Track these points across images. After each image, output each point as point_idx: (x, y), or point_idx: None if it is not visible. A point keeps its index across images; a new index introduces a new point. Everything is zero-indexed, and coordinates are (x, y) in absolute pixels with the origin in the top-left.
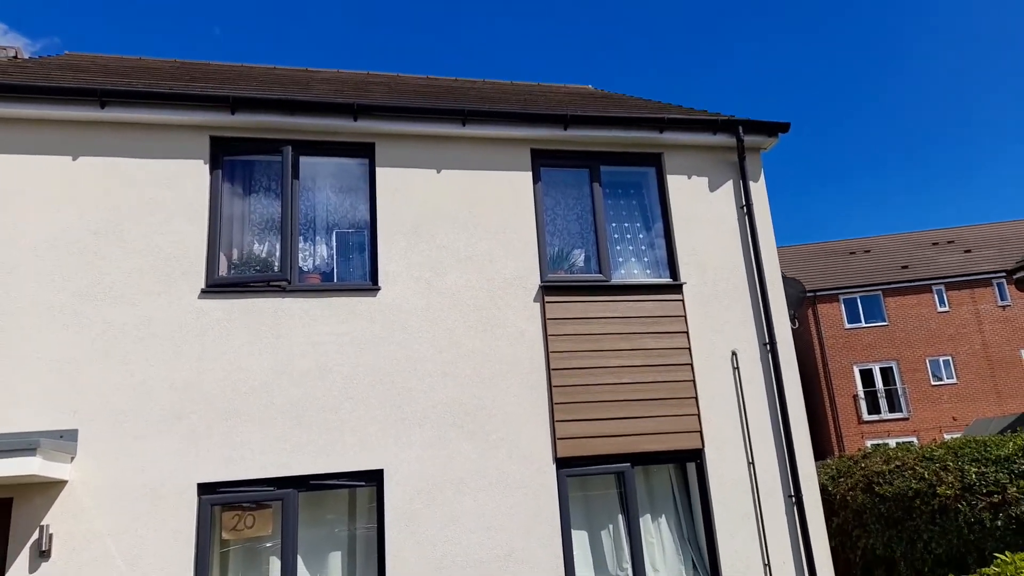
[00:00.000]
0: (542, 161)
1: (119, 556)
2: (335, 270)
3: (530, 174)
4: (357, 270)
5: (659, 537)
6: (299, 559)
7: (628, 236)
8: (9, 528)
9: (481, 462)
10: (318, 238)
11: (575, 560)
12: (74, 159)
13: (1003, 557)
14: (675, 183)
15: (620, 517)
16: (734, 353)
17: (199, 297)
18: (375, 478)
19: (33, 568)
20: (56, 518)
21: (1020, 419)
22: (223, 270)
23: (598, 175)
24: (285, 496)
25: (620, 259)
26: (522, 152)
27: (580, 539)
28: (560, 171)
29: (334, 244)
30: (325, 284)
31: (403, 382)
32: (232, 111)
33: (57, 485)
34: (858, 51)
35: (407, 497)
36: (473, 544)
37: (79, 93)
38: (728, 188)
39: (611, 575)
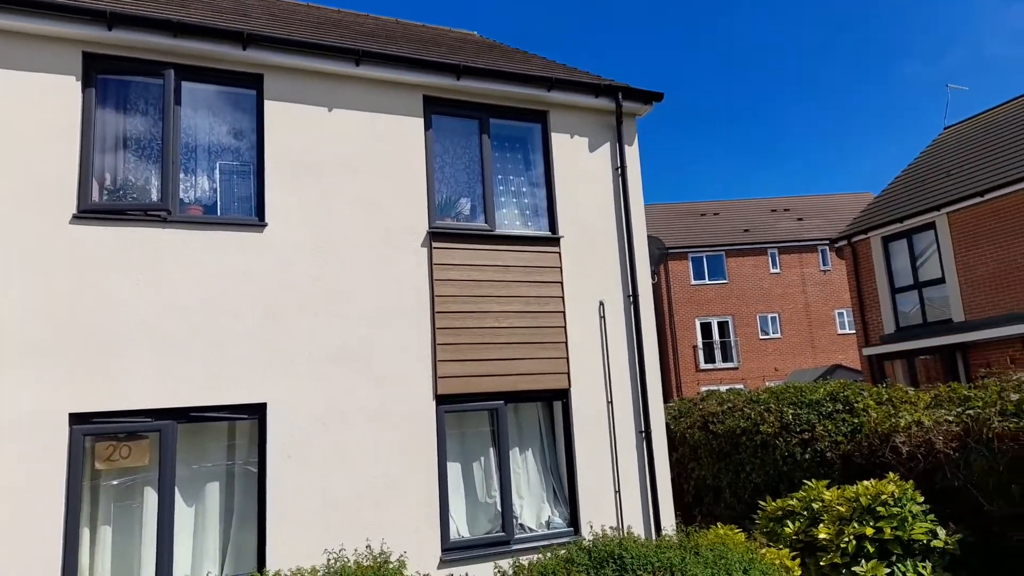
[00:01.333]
0: (434, 108)
1: None
2: (218, 203)
3: (422, 120)
4: (242, 204)
5: (525, 468)
6: (176, 491)
7: (512, 189)
8: None
9: (365, 398)
10: (200, 169)
11: (448, 489)
12: None
13: (809, 484)
14: (558, 140)
15: (491, 450)
16: (601, 303)
17: (71, 222)
18: (258, 411)
19: None
20: None
21: (830, 370)
22: (96, 196)
23: (487, 127)
24: (164, 427)
25: (504, 210)
26: (415, 98)
27: (454, 470)
28: (451, 120)
29: (217, 176)
30: (209, 217)
31: (290, 319)
32: (109, 27)
33: None
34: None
35: (290, 430)
36: (354, 475)
37: None
38: (605, 149)
39: (480, 502)
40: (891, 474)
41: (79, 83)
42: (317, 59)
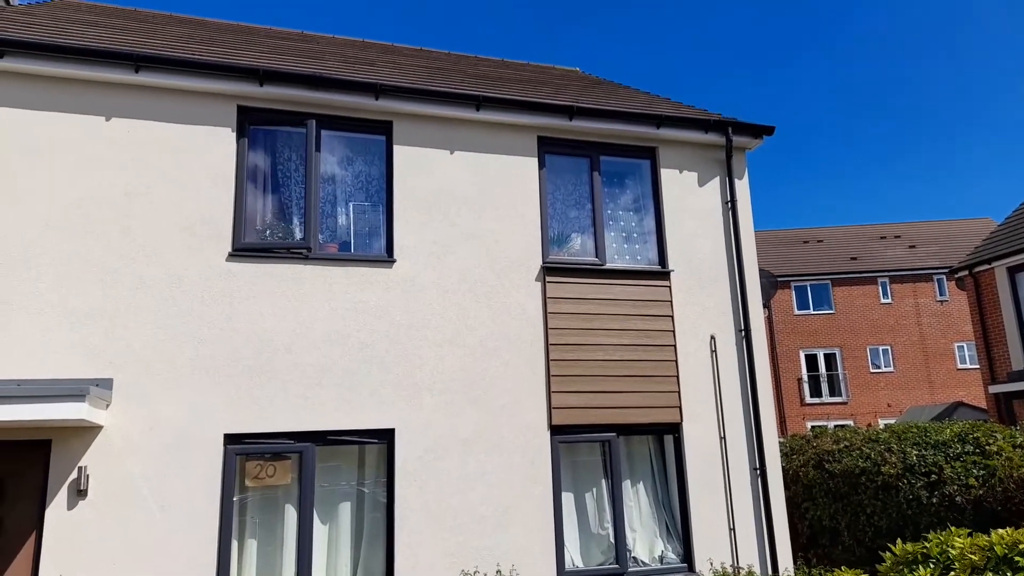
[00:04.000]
0: (547, 148)
1: (151, 497)
2: (352, 241)
3: (536, 159)
4: (373, 242)
5: (637, 501)
6: (314, 508)
7: (622, 223)
8: (49, 467)
9: (484, 426)
10: (337, 209)
11: (563, 518)
12: (107, 119)
13: (952, 529)
14: (668, 176)
15: (603, 482)
16: (712, 337)
17: (226, 260)
18: (387, 436)
19: (71, 505)
20: (92, 460)
21: (951, 408)
22: (247, 235)
23: (598, 164)
24: (304, 449)
25: (614, 245)
26: (529, 138)
27: (567, 500)
28: (563, 158)
29: (351, 216)
30: (344, 253)
31: (415, 349)
32: (261, 83)
33: (93, 429)
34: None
35: (416, 455)
36: (474, 500)
37: (115, 56)
38: (715, 183)
39: (593, 533)
40: None
41: (234, 134)
42: (442, 106)
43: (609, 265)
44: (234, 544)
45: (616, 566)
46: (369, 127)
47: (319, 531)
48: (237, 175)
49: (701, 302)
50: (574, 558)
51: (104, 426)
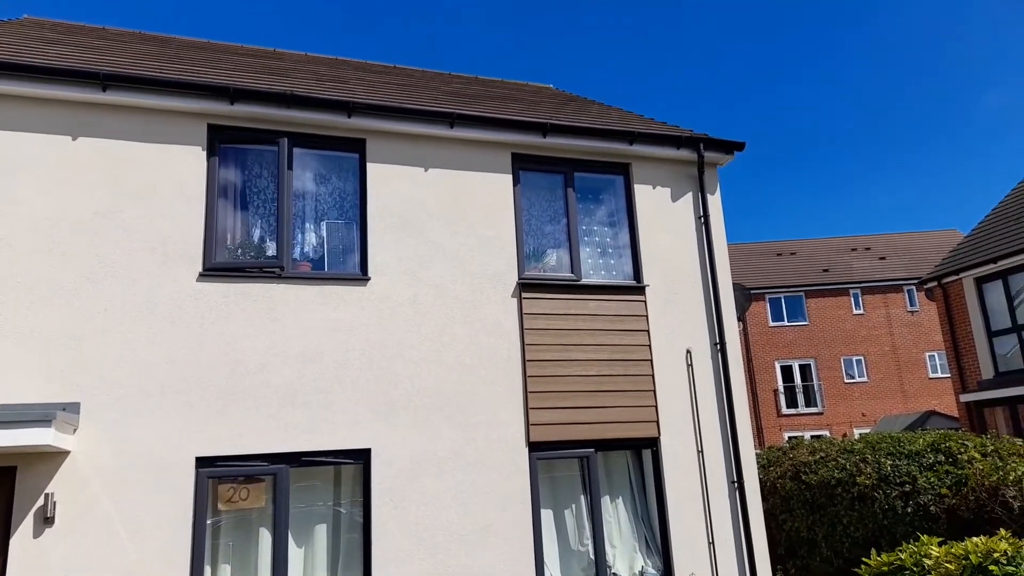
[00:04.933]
0: (521, 164)
1: (120, 524)
2: (325, 259)
3: (510, 176)
4: (347, 260)
5: (616, 516)
6: (289, 531)
7: (597, 239)
8: (14, 495)
9: (461, 444)
10: (308, 227)
11: (542, 535)
12: (74, 139)
13: (923, 538)
14: (641, 192)
15: (582, 497)
16: (688, 351)
17: (197, 280)
18: (362, 456)
19: (38, 533)
20: (59, 486)
21: (923, 417)
22: (219, 255)
23: (572, 180)
24: (278, 471)
25: (590, 260)
26: (503, 155)
27: (546, 516)
28: (537, 175)
29: (324, 234)
30: (318, 272)
31: (390, 367)
32: (231, 101)
33: (60, 455)
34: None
35: (392, 474)
36: (453, 519)
37: (81, 76)
38: (688, 199)
39: (573, 550)
40: (1003, 530)
41: (204, 152)
42: (415, 123)
43: (585, 280)
44: (207, 570)
45: None
46: (342, 145)
47: (294, 554)
48: (208, 194)
49: (676, 316)
50: (554, 575)
51: (71, 451)
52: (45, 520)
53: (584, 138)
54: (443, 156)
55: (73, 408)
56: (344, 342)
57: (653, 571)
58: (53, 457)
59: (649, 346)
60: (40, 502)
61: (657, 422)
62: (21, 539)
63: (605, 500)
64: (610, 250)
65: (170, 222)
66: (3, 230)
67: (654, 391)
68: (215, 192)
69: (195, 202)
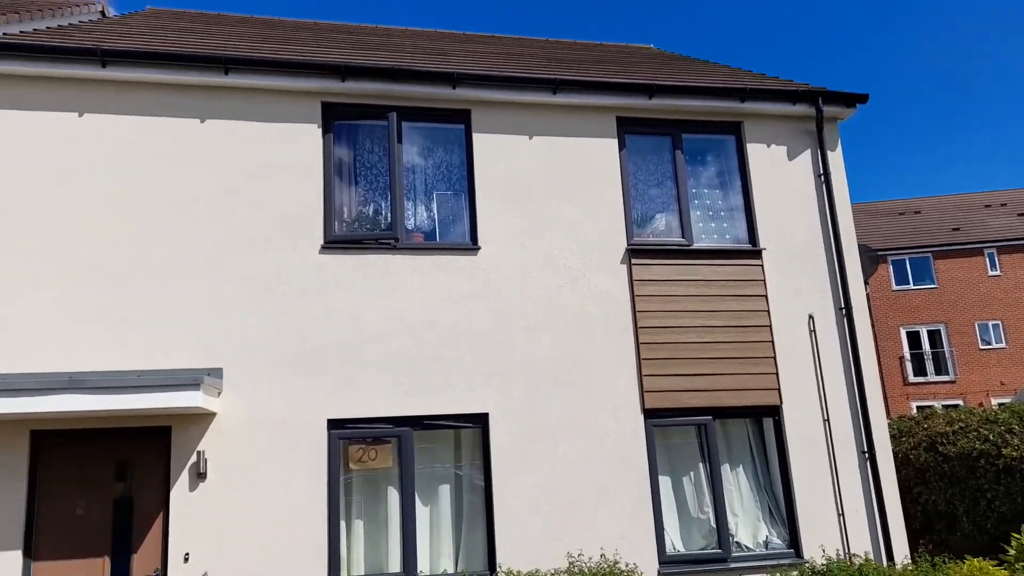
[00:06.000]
0: (627, 128)
1: (263, 479)
2: (436, 230)
3: (616, 141)
4: (456, 230)
5: (737, 485)
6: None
7: (708, 202)
8: (171, 452)
9: (575, 410)
10: (419, 199)
11: (660, 502)
12: (202, 121)
13: None
14: (754, 151)
15: (701, 465)
16: (811, 316)
17: (319, 253)
18: (481, 421)
19: (193, 487)
20: (209, 444)
21: None
22: (337, 228)
23: (680, 142)
24: (402, 434)
25: (700, 224)
26: (608, 119)
27: (664, 484)
28: (644, 138)
29: (434, 205)
30: (430, 243)
31: (503, 335)
32: (343, 79)
33: (208, 416)
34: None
35: (510, 439)
36: (569, 483)
37: (205, 60)
38: (806, 157)
39: (693, 518)
40: None
41: (320, 130)
42: (518, 92)
43: (696, 245)
44: (342, 524)
45: (719, 551)
46: (448, 116)
47: (420, 512)
48: (324, 170)
49: (796, 280)
50: (674, 542)
51: (217, 413)
52: (198, 475)
53: (692, 98)
54: (547, 123)
55: (216, 373)
56: (458, 310)
57: (779, 541)
58: (202, 418)
59: (767, 311)
60: (193, 459)
61: (778, 390)
62: (179, 492)
63: (725, 468)
64: (722, 213)
65: (292, 198)
66: (145, 211)
67: (774, 358)
68: (331, 168)
69: (313, 178)
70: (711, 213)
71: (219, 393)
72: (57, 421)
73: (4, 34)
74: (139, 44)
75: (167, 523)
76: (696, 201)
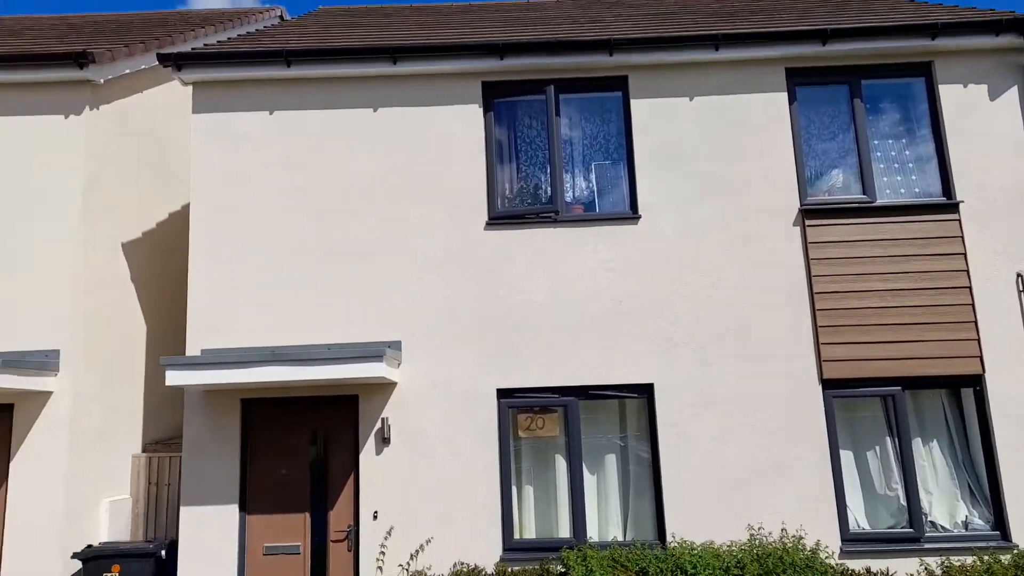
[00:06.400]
0: (797, 80)
1: (441, 445)
2: (596, 200)
3: (785, 94)
4: (616, 199)
5: (931, 461)
6: (582, 459)
7: (893, 154)
8: (358, 419)
9: (746, 380)
10: (577, 170)
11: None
12: (375, 111)
13: None
14: (947, 93)
15: (887, 439)
16: (1019, 275)
17: (484, 229)
18: (646, 391)
19: (379, 451)
20: (391, 411)
21: None
22: (500, 204)
23: (859, 90)
24: (568, 403)
25: (884, 178)
26: (776, 72)
27: (846, 459)
28: (816, 88)
29: (593, 176)
30: (590, 214)
31: (667, 304)
32: (501, 57)
33: (390, 385)
34: None
35: (676, 409)
36: (740, 455)
37: (375, 52)
38: (1011, 96)
39: (879, 495)
40: None
41: (480, 109)
42: (677, 51)
43: (880, 201)
44: (513, 488)
45: (910, 530)
46: (605, 85)
47: (588, 480)
48: (487, 148)
49: (1000, 236)
50: (858, 519)
51: (397, 383)
52: (383, 440)
53: (873, 39)
54: (709, 82)
55: (396, 346)
56: (620, 279)
57: (981, 522)
58: (384, 388)
59: (966, 271)
60: (378, 425)
61: (980, 357)
62: (367, 455)
63: (916, 443)
64: (909, 165)
65: (457, 177)
66: (333, 198)
67: (975, 322)
68: (492, 146)
69: (476, 157)
70: (896, 166)
71: (399, 364)
72: (262, 390)
73: (204, 45)
74: (316, 42)
75: (358, 484)
76: (878, 154)
